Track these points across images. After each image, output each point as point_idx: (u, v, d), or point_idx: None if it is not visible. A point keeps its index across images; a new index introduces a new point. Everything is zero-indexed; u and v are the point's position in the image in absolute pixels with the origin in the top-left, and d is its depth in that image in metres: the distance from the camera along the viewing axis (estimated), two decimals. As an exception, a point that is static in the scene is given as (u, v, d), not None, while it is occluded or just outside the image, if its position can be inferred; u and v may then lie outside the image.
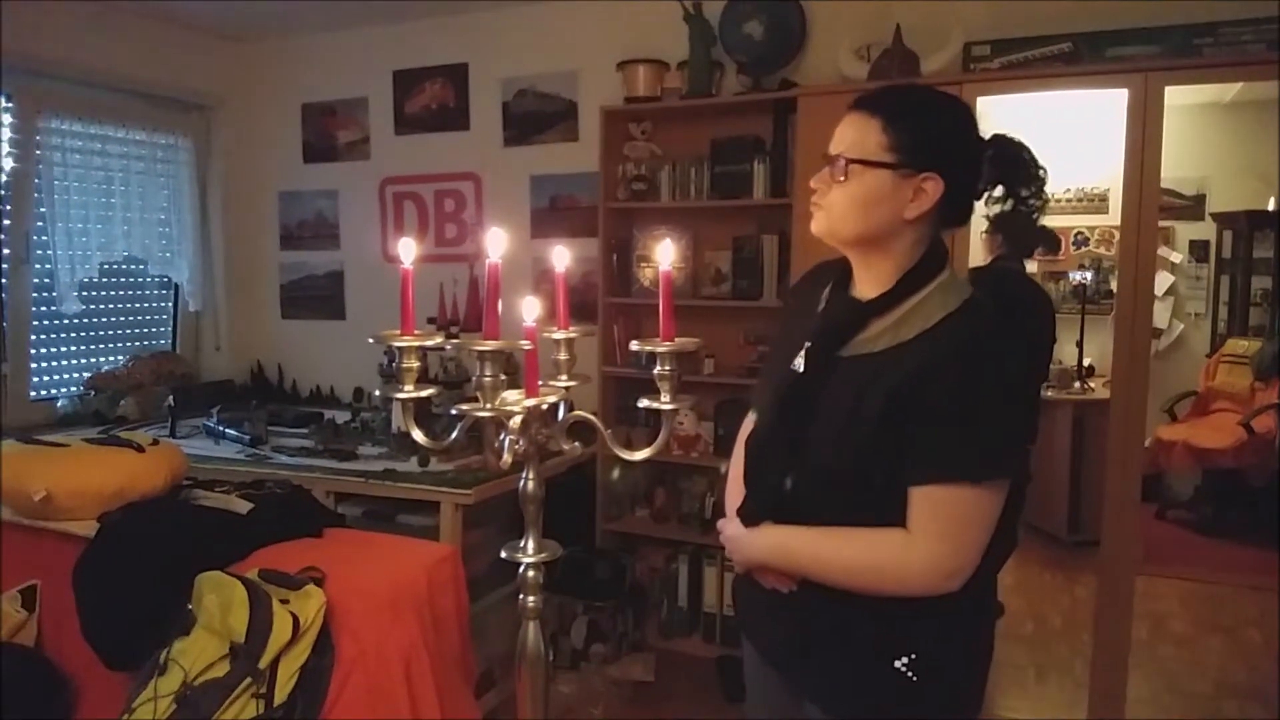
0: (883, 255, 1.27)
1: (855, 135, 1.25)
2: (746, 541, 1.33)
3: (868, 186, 1.23)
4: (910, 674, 1.23)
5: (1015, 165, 1.30)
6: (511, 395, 1.18)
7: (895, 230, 1.25)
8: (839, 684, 1.29)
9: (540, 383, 1.22)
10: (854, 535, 1.23)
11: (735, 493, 1.40)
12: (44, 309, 3.63)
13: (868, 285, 1.29)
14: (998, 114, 3.08)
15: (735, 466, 1.44)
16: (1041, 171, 1.31)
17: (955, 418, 1.16)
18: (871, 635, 1.25)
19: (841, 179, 1.24)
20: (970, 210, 1.32)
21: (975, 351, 1.19)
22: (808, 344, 1.30)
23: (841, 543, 1.24)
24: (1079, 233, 4.78)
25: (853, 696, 1.28)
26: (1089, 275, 4.67)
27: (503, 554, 1.26)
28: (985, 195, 1.31)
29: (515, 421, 1.16)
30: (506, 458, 1.17)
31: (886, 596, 1.23)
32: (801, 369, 1.29)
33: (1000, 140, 1.30)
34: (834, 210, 1.26)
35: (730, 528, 1.37)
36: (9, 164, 3.42)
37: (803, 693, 1.35)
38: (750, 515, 1.33)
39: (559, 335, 1.29)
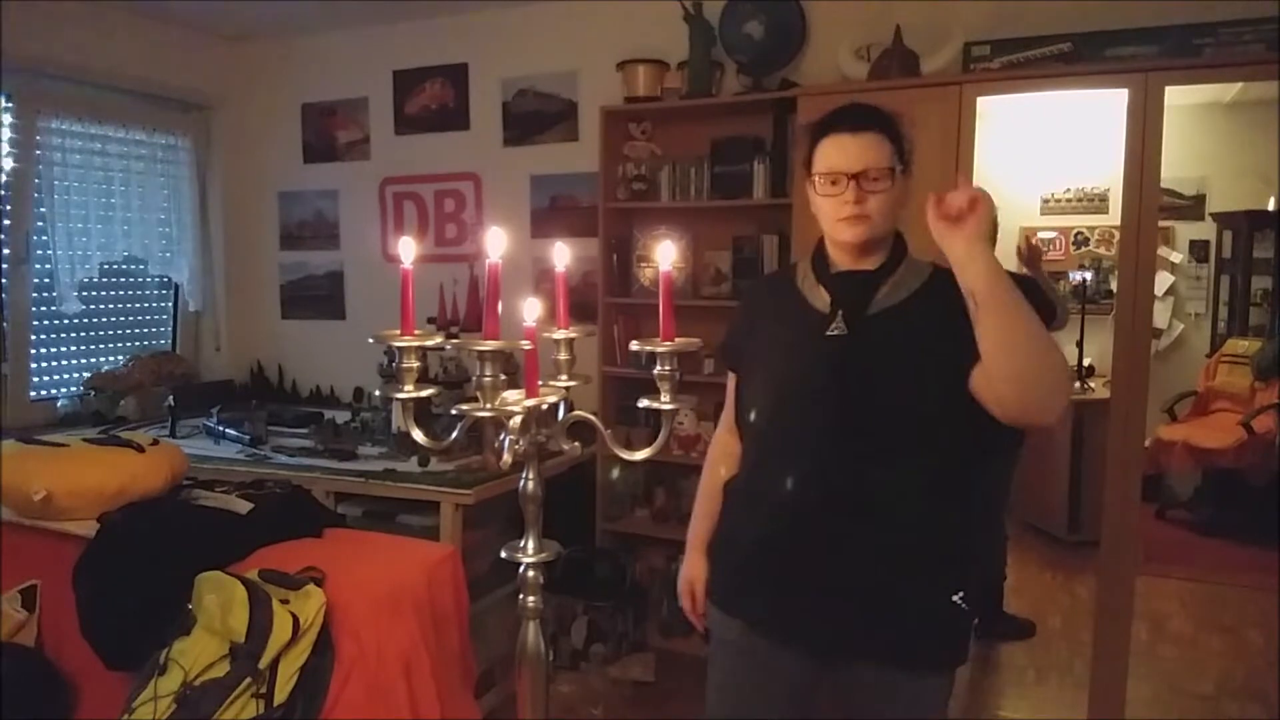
0: (884, 243, 1.51)
1: (874, 151, 1.45)
2: (984, 249, 1.32)
3: (895, 191, 1.47)
4: (964, 605, 1.46)
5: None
6: (511, 395, 1.18)
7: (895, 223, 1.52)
8: (910, 631, 1.45)
9: (540, 383, 1.22)
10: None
11: (709, 495, 1.69)
12: (44, 309, 3.63)
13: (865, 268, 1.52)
14: (998, 114, 3.08)
15: (714, 470, 1.69)
16: None
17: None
18: (940, 578, 1.46)
19: (885, 189, 1.44)
20: None
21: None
22: (840, 312, 1.48)
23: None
24: (1079, 233, 4.78)
25: (924, 637, 1.47)
26: (1089, 275, 4.66)
27: (503, 554, 1.26)
28: None
29: (515, 421, 1.16)
30: (506, 458, 1.17)
31: (953, 515, 1.45)
32: (845, 331, 1.47)
33: None
34: (878, 216, 1.46)
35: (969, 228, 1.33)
36: (9, 164, 3.42)
37: (858, 660, 1.49)
38: (815, 483, 1.46)
39: (559, 335, 1.28)
